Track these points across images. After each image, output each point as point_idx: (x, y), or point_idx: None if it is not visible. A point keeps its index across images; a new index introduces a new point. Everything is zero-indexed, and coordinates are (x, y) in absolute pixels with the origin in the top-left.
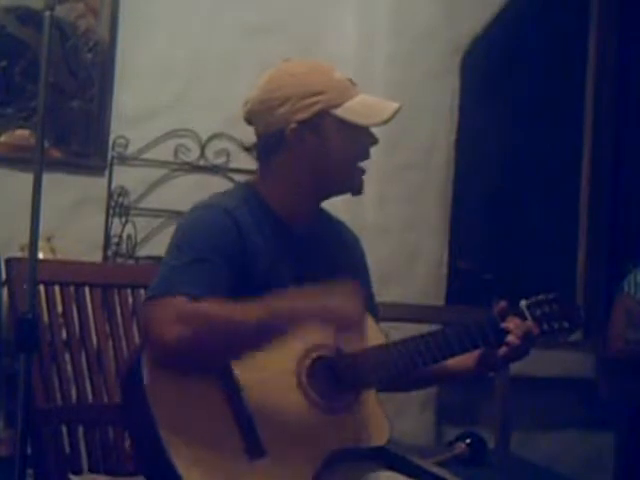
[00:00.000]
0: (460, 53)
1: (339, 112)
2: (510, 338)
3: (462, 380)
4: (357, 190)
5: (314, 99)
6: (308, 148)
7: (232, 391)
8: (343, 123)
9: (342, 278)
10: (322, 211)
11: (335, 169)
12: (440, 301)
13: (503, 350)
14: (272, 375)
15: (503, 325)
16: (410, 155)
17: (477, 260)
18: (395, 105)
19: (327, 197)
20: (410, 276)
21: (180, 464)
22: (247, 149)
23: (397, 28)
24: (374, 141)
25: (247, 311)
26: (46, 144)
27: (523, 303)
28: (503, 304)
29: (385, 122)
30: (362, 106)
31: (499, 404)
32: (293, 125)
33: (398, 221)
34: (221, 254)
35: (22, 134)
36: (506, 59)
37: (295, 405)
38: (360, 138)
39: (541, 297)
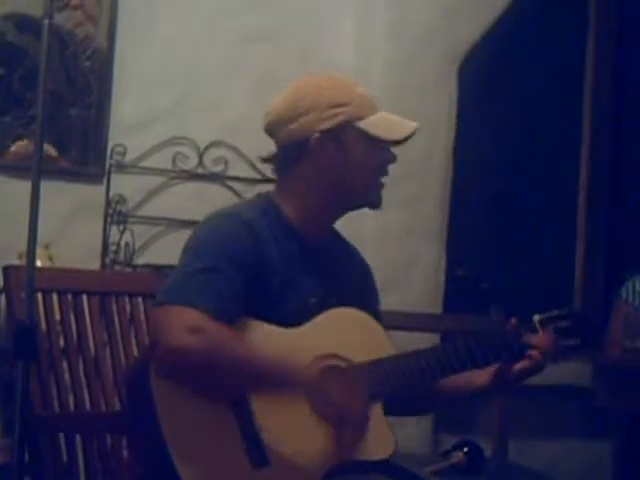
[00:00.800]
0: (458, 60)
1: (362, 125)
2: (533, 353)
3: (476, 398)
4: (375, 204)
5: (338, 110)
6: (329, 158)
7: (238, 398)
8: (365, 136)
9: (355, 296)
10: (335, 232)
11: (353, 181)
12: (437, 309)
13: (522, 364)
14: None
15: (524, 340)
16: (408, 162)
17: (475, 268)
18: (414, 124)
19: (344, 210)
20: (408, 283)
21: (183, 469)
22: (266, 160)
23: (395, 35)
24: (392, 158)
25: (255, 353)
26: (55, 153)
27: (536, 317)
28: (514, 321)
29: (404, 140)
30: (384, 121)
31: (497, 412)
32: (316, 134)
33: (396, 228)
34: (237, 264)
35: (29, 143)
36: (504, 66)
37: (302, 415)
38: (380, 153)
39: (555, 312)
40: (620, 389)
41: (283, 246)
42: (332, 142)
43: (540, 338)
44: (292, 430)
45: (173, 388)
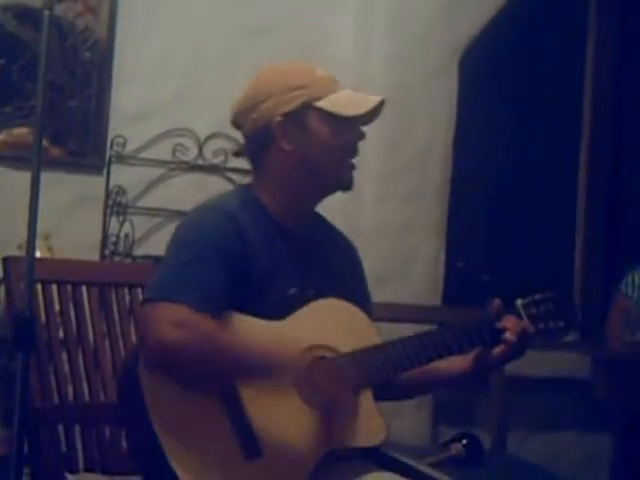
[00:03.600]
0: (458, 54)
1: (322, 104)
2: (507, 335)
3: (457, 384)
4: (346, 186)
5: (297, 92)
6: (294, 142)
7: (228, 390)
8: (327, 115)
9: (339, 284)
10: (320, 217)
11: (321, 163)
12: (437, 302)
13: (499, 348)
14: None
15: (499, 324)
16: (408, 156)
17: (474, 261)
18: (378, 97)
19: (320, 196)
20: (407, 276)
21: (176, 463)
22: (237, 154)
23: (395, 30)
24: (360, 136)
25: (240, 344)
26: (46, 142)
27: (519, 302)
28: (497, 302)
29: (369, 115)
30: (345, 98)
31: (496, 404)
32: (278, 118)
33: (396, 221)
34: (221, 257)
35: (21, 132)
36: (504, 60)
37: (291, 405)
38: (345, 132)
39: (537, 296)
40: (619, 382)
41: (265, 236)
42: (294, 125)
43: (512, 321)
44: (282, 420)
45: (162, 383)
